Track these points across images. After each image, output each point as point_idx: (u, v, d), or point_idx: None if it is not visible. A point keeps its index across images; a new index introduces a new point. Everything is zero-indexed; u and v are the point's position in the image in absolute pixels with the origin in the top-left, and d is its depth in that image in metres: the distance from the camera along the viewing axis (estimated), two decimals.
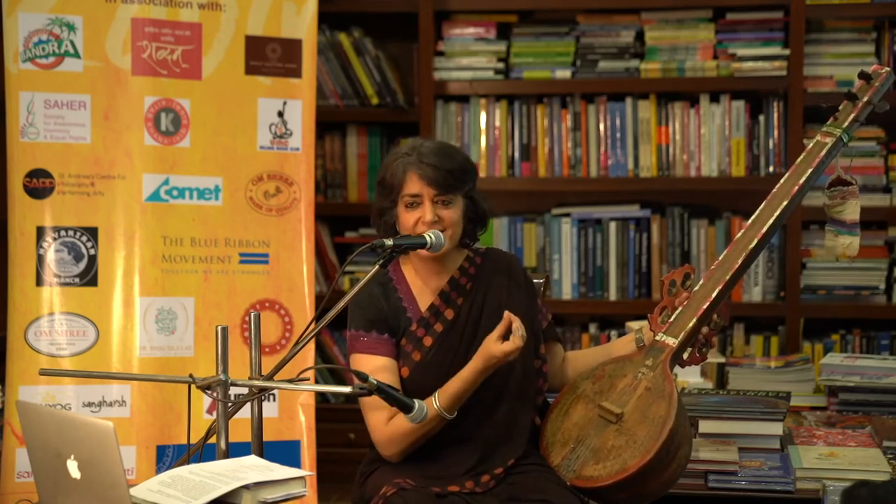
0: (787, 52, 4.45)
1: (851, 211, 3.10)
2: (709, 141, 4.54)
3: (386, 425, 2.81)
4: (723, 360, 4.03)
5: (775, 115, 4.52)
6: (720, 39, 4.54)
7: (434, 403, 2.77)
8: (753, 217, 3.00)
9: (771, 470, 3.08)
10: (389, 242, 2.75)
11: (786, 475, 3.05)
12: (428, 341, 2.86)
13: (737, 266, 2.94)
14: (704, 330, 2.93)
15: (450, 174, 2.81)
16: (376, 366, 2.83)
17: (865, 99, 3.04)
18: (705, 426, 3.23)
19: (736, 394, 3.45)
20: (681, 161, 4.56)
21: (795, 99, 4.41)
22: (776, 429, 3.21)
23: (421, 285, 2.92)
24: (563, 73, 4.60)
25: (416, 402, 2.64)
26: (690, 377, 3.74)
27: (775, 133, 4.52)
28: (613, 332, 4.58)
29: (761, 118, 4.53)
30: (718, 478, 3.07)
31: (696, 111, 4.55)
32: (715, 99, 4.55)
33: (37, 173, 3.76)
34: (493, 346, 2.73)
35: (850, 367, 3.62)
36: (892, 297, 4.48)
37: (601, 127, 4.59)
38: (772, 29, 4.51)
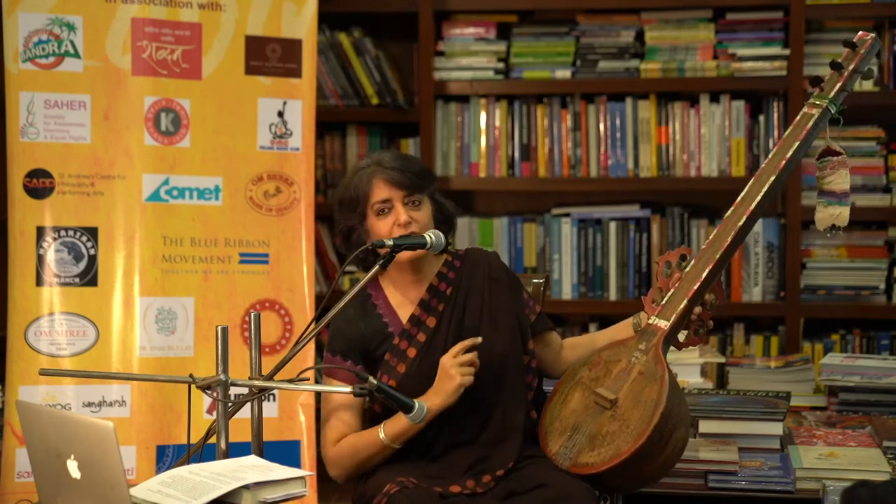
0: (787, 52, 4.45)
1: (841, 181, 3.06)
2: (709, 141, 4.54)
3: (335, 445, 2.86)
4: (723, 360, 4.03)
5: (775, 115, 4.52)
6: (720, 39, 4.54)
7: (380, 434, 2.80)
8: (743, 193, 2.97)
9: (771, 470, 3.08)
10: (389, 242, 2.76)
11: (786, 475, 3.05)
12: (412, 352, 2.86)
13: (727, 244, 2.92)
14: (698, 310, 2.92)
15: (415, 175, 2.86)
16: (342, 402, 2.87)
17: (851, 67, 3.00)
18: (705, 426, 3.23)
19: (736, 394, 3.45)
20: (681, 161, 4.56)
21: (795, 99, 4.41)
22: (776, 429, 3.21)
23: (401, 297, 2.92)
24: (563, 73, 4.60)
25: (416, 403, 2.65)
26: (690, 377, 3.74)
27: (775, 133, 4.52)
28: None
29: (761, 118, 4.53)
30: (718, 478, 3.07)
31: (696, 111, 4.55)
32: (715, 99, 4.55)
33: (37, 173, 3.76)
34: (447, 359, 2.76)
35: (850, 367, 3.63)
36: (892, 297, 4.48)
37: (601, 127, 4.59)
38: (772, 29, 4.51)
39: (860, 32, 3.03)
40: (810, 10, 4.43)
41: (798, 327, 4.46)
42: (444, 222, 2.95)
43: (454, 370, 2.74)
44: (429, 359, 2.85)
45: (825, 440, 3.26)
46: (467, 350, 2.77)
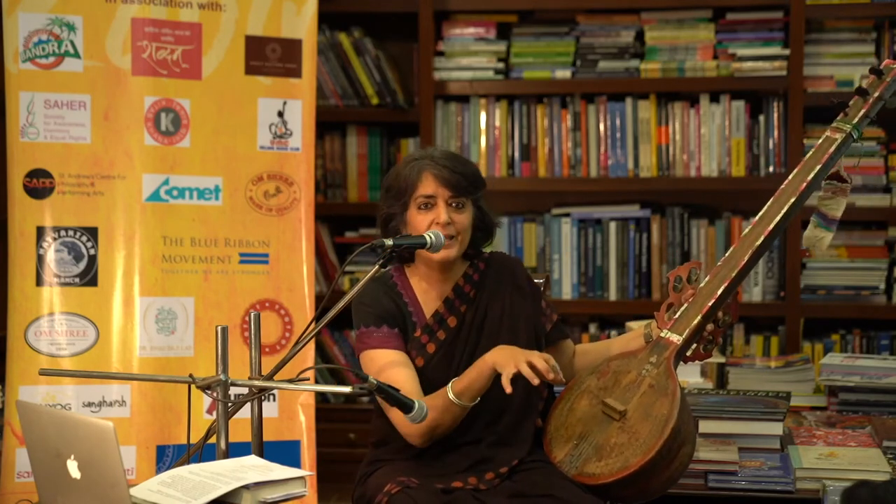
0: (787, 52, 4.45)
1: (836, 208, 3.10)
2: (709, 141, 4.54)
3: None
4: (723, 360, 4.03)
5: (775, 115, 4.52)
6: (720, 39, 4.54)
7: (449, 394, 2.75)
8: (761, 213, 2.99)
9: (771, 470, 3.08)
10: (389, 242, 2.76)
11: (786, 475, 3.05)
12: (431, 348, 2.87)
13: (743, 263, 2.93)
14: (710, 327, 2.93)
15: (464, 177, 2.84)
16: (391, 360, 2.83)
17: (876, 94, 3.03)
18: (705, 426, 3.23)
19: (736, 394, 3.45)
20: (681, 161, 4.56)
21: (795, 99, 4.41)
22: (776, 429, 3.21)
23: (425, 293, 2.92)
24: (563, 73, 4.60)
25: (416, 402, 2.64)
26: (690, 377, 3.74)
27: (775, 133, 4.52)
28: (613, 332, 4.58)
29: (761, 118, 4.53)
30: (718, 478, 3.07)
31: (696, 111, 4.55)
32: (715, 99, 4.55)
33: (37, 173, 3.76)
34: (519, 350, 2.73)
35: (850, 367, 3.62)
36: (892, 297, 4.48)
37: (601, 127, 4.59)
38: (772, 29, 4.51)
39: (887, 60, 3.07)
40: (810, 10, 4.43)
41: (798, 327, 4.46)
42: (483, 230, 2.94)
43: (535, 357, 2.67)
44: (445, 360, 2.86)
45: (825, 440, 3.26)
46: (540, 381, 2.71)
